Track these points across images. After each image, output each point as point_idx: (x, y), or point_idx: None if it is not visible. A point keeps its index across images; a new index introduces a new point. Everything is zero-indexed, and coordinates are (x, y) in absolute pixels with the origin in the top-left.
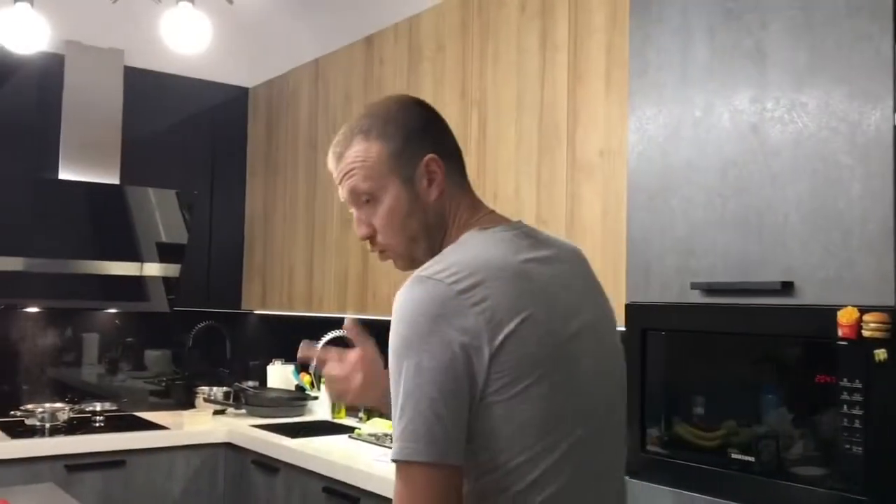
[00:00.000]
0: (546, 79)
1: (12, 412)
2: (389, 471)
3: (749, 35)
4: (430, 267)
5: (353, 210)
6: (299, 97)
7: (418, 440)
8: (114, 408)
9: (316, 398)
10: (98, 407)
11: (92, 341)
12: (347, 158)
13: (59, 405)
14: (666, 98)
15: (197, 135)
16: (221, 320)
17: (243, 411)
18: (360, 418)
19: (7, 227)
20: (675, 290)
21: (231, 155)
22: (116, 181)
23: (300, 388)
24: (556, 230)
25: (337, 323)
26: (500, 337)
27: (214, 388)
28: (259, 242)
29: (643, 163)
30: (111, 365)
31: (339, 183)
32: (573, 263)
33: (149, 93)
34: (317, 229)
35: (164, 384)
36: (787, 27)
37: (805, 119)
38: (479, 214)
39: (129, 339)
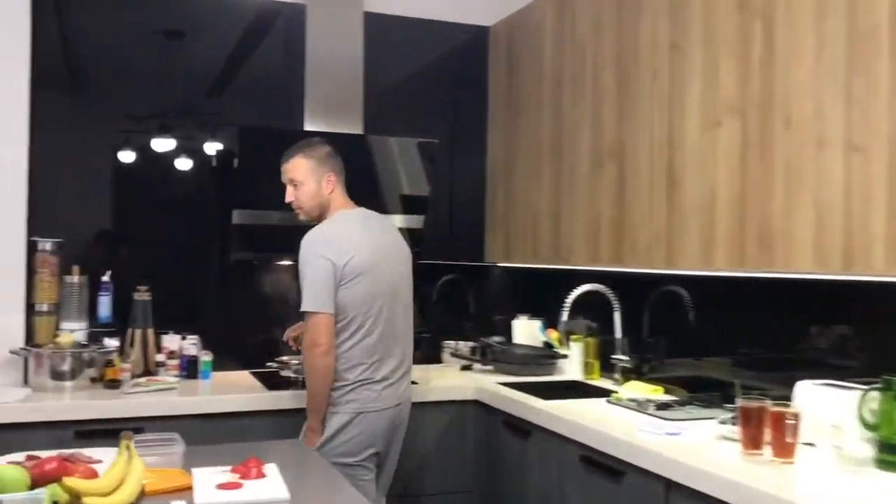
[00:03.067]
0: None
1: (268, 363)
2: (657, 444)
3: None
4: (321, 226)
5: (288, 187)
6: (543, 31)
7: (316, 302)
8: None
9: (565, 356)
10: None
11: None
12: (292, 163)
13: None
14: None
15: (436, 80)
16: (464, 273)
17: (490, 368)
18: (616, 379)
19: (262, 181)
20: None
21: (471, 100)
22: (360, 131)
23: (548, 345)
24: (875, 157)
25: (588, 276)
26: (346, 259)
27: (460, 343)
28: (501, 191)
29: None
30: None
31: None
32: (385, 228)
33: (388, 38)
34: (563, 174)
35: (419, 337)
36: None
37: None
38: (347, 204)
39: None
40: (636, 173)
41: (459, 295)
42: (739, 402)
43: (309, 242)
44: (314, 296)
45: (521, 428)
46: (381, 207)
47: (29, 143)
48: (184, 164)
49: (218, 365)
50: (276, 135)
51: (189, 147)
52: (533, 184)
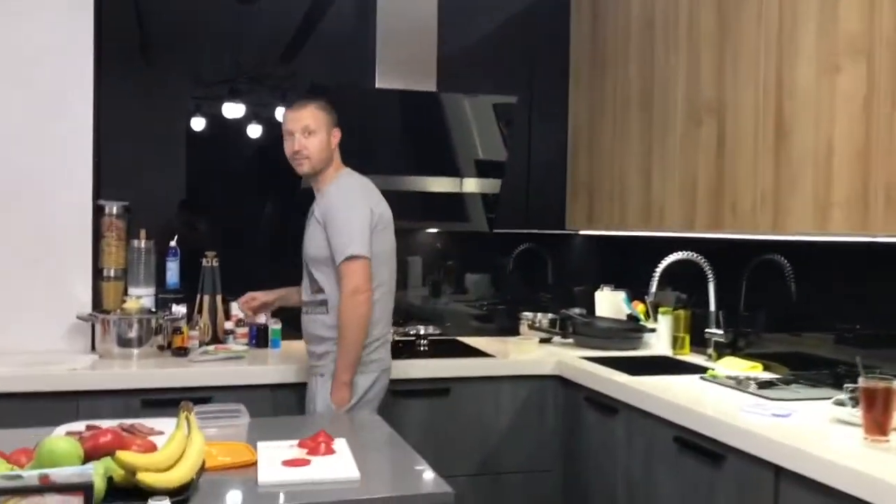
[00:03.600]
0: None
1: None
2: (763, 426)
3: None
4: (349, 175)
5: (297, 135)
6: None
7: (361, 245)
8: (437, 332)
9: (653, 330)
10: (422, 330)
11: (413, 263)
12: (308, 111)
13: None
14: None
15: (514, 37)
16: (542, 242)
17: (570, 341)
18: (710, 355)
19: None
20: None
21: (552, 56)
22: (433, 88)
23: (633, 318)
24: None
25: (683, 243)
26: (380, 208)
27: (539, 315)
28: (584, 153)
29: None
30: (433, 287)
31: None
32: None
33: None
34: (655, 130)
35: (485, 308)
36: None
37: None
38: (343, 165)
39: (449, 261)
40: (739, 127)
41: (536, 264)
42: (862, 381)
43: (346, 187)
44: (359, 239)
45: (606, 405)
46: (454, 170)
47: (96, 108)
48: (254, 129)
49: (287, 334)
50: (348, 92)
51: (260, 112)
52: (620, 144)
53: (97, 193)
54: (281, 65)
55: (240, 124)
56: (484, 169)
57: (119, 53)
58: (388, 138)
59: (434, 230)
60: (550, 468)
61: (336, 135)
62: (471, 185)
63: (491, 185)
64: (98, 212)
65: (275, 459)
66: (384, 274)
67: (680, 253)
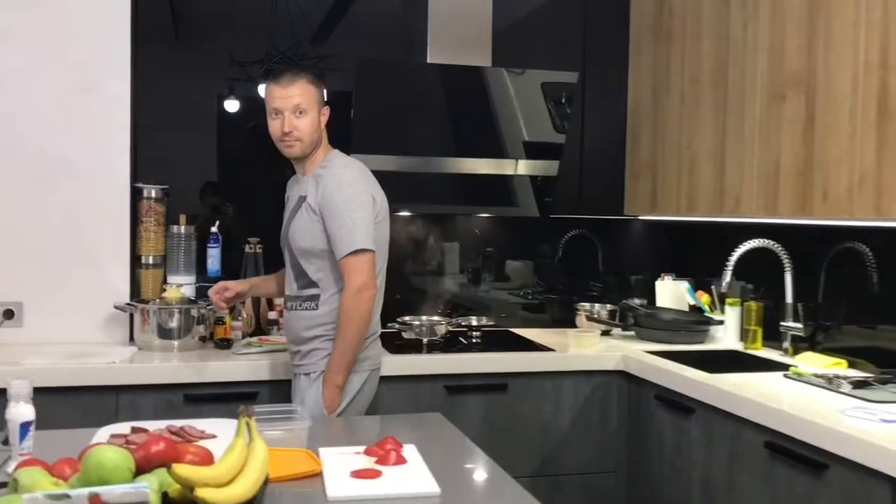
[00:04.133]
0: None
1: (389, 324)
2: (870, 431)
3: None
4: (350, 161)
5: (287, 114)
6: None
7: (368, 238)
8: (490, 323)
9: (721, 322)
10: (474, 321)
11: (455, 249)
12: (299, 86)
13: (436, 318)
14: None
15: (570, 9)
16: (595, 227)
17: (631, 333)
18: (785, 350)
19: (381, 122)
20: None
21: (610, 30)
22: (487, 63)
23: (697, 309)
24: None
25: (760, 230)
26: (379, 197)
27: (597, 306)
28: (647, 133)
29: None
30: (473, 275)
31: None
32: None
33: None
34: (730, 110)
35: (537, 298)
36: None
37: None
38: (328, 144)
39: (491, 248)
40: (832, 104)
41: (587, 252)
42: None
43: (345, 173)
44: (364, 231)
45: (680, 405)
46: (505, 152)
47: (132, 89)
48: None
49: None
50: (398, 69)
51: None
52: (689, 124)
53: (134, 176)
54: (316, 44)
55: None
56: (538, 150)
57: (154, 32)
58: (436, 118)
59: (477, 215)
60: (613, 469)
61: (325, 112)
62: (525, 167)
63: (546, 167)
64: (135, 196)
65: (342, 469)
66: (379, 265)
67: (757, 240)
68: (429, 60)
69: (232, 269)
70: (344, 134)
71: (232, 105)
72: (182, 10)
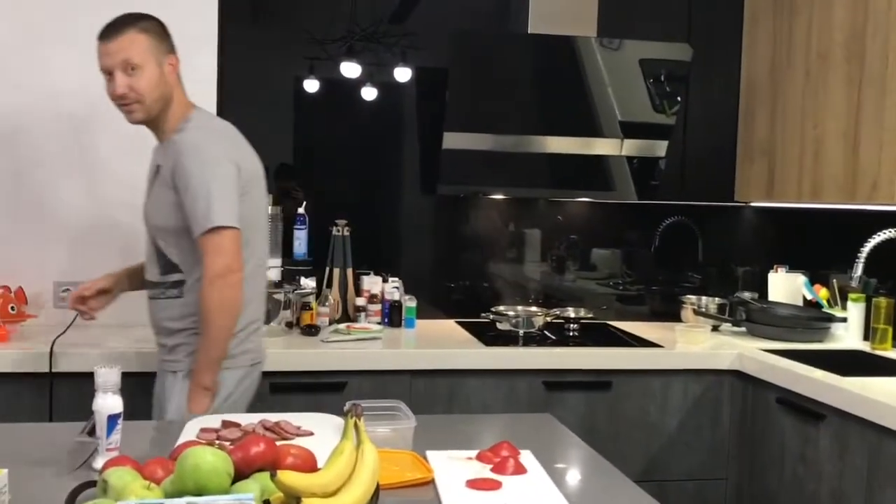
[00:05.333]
0: None
1: (482, 313)
2: None
3: None
4: (207, 118)
5: (118, 73)
6: None
7: (230, 214)
8: (588, 315)
9: (843, 320)
10: (571, 313)
11: (537, 235)
12: (125, 38)
13: (533, 310)
14: None
15: None
16: (696, 214)
17: (742, 329)
18: None
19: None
20: None
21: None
22: (593, 34)
23: (815, 305)
24: None
25: (887, 218)
26: (246, 163)
27: (704, 299)
28: (764, 111)
29: None
30: (557, 263)
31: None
32: None
33: None
34: (867, 84)
35: (630, 289)
36: None
37: None
38: (189, 101)
39: (575, 236)
40: None
41: (687, 241)
42: None
43: (201, 137)
44: (224, 204)
45: (808, 410)
46: (597, 130)
47: (220, 62)
48: (373, 90)
49: (419, 312)
50: (498, 40)
51: (380, 72)
52: (814, 102)
53: None
54: (397, 21)
55: (359, 83)
56: (644, 128)
57: (235, 16)
58: (532, 94)
59: (569, 199)
60: (724, 477)
61: (173, 62)
62: (627, 147)
63: (652, 148)
64: None
65: (456, 477)
66: (256, 244)
67: (892, 230)
68: (530, 31)
69: (321, 253)
70: (431, 112)
71: (311, 85)
72: None
